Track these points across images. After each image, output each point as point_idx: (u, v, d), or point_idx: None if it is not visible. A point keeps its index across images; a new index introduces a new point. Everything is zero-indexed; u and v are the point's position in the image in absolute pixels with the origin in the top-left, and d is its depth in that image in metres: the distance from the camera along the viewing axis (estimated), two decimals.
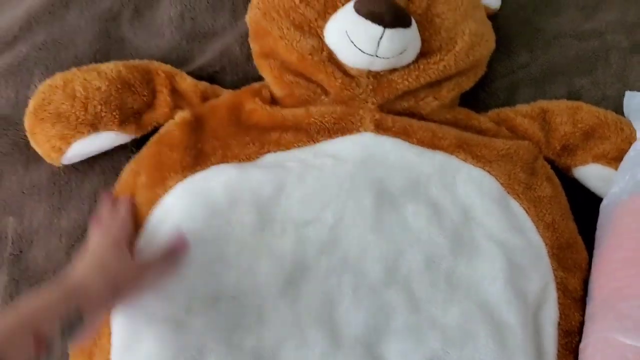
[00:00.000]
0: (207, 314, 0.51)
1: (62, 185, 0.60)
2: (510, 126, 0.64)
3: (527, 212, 0.58)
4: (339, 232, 0.55)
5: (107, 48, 0.65)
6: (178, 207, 0.54)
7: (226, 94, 0.63)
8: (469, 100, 0.66)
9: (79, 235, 0.59)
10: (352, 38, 0.57)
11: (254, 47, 0.63)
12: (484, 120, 0.64)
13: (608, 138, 0.63)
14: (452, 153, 0.59)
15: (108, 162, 0.61)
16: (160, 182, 0.56)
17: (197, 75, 0.64)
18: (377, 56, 0.57)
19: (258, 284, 0.53)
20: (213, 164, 0.57)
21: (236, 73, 0.66)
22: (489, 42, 0.65)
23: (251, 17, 0.63)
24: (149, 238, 0.54)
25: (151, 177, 0.56)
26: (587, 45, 0.71)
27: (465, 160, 0.59)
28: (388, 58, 0.58)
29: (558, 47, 0.71)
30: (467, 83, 0.64)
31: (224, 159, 0.57)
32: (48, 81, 0.59)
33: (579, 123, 0.63)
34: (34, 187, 0.60)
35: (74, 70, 0.60)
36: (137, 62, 0.62)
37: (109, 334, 0.52)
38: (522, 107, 0.66)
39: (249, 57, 0.65)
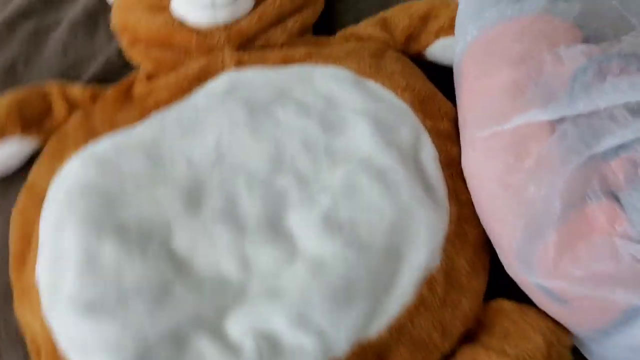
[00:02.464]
0: (118, 239, 0.55)
1: None
2: (356, 37, 0.73)
3: (382, 85, 0.66)
4: (222, 146, 0.62)
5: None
6: (73, 168, 0.61)
7: (110, 87, 0.72)
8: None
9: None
10: None
11: (123, 41, 0.73)
12: (332, 39, 0.73)
13: (440, 15, 0.71)
14: (304, 62, 0.68)
15: None
16: (59, 159, 0.63)
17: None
18: (215, 5, 0.67)
19: (161, 207, 0.58)
20: (102, 134, 0.65)
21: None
22: None
23: (114, 21, 0.74)
24: (49, 204, 0.60)
25: (51, 159, 0.64)
26: None
27: (317, 64, 0.67)
28: (225, 7, 0.68)
29: None
30: (310, 17, 0.74)
31: (112, 129, 0.65)
32: None
33: (414, 14, 0.72)
34: None
35: None
36: (31, 85, 0.72)
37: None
38: (364, 21, 0.75)
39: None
